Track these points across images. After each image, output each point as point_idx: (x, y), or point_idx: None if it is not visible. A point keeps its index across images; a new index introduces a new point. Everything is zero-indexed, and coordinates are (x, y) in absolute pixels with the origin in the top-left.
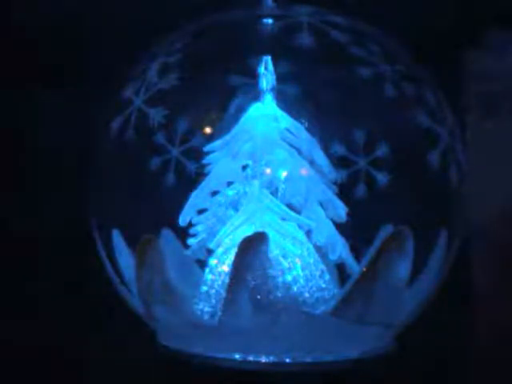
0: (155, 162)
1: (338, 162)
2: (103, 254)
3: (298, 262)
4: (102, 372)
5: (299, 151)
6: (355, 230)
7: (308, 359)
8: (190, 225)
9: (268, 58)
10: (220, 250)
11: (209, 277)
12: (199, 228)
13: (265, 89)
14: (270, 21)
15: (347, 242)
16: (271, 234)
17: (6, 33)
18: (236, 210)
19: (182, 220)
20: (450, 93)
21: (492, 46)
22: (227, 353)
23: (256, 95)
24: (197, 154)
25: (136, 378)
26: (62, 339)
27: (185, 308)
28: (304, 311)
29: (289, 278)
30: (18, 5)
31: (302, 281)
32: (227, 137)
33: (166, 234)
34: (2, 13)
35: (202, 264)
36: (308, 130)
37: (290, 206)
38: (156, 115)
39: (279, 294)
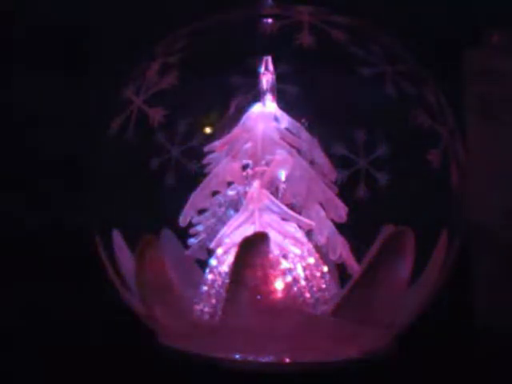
0: (155, 162)
1: (338, 162)
2: (103, 254)
3: (299, 262)
4: (102, 372)
5: (299, 151)
6: (355, 230)
7: (308, 359)
8: (190, 225)
9: (268, 58)
10: (220, 250)
11: (209, 277)
12: (199, 228)
13: (265, 89)
14: (269, 21)
15: (347, 242)
16: (271, 234)
17: (8, 32)
18: (236, 210)
19: (182, 220)
20: (450, 93)
21: (493, 46)
22: (227, 353)
23: (256, 95)
24: (197, 154)
25: (136, 377)
26: (61, 339)
27: (185, 308)
28: (304, 311)
29: (289, 278)
30: (20, 4)
31: (302, 281)
32: (227, 137)
33: (166, 233)
34: (5, 13)
35: (202, 264)
36: (308, 129)
37: (290, 206)
38: (156, 115)
39: (279, 295)
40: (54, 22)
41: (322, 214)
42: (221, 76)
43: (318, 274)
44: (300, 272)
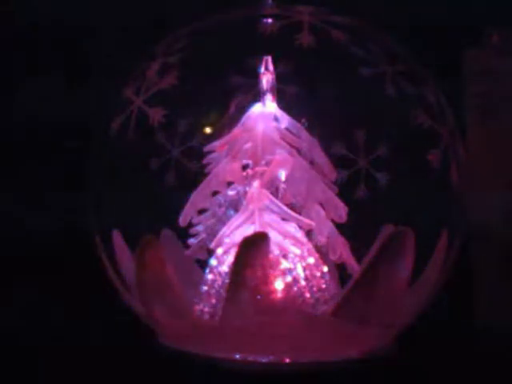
0: (155, 162)
1: (338, 162)
2: (103, 254)
3: (299, 262)
4: (102, 372)
5: (299, 151)
6: (355, 230)
7: (308, 359)
8: (190, 225)
9: (268, 58)
10: (220, 250)
11: (209, 277)
12: (199, 228)
13: (265, 89)
14: (269, 21)
15: (347, 241)
16: (271, 234)
17: (8, 32)
18: (236, 210)
19: (182, 220)
20: (450, 93)
21: (493, 46)
22: (227, 353)
23: (256, 95)
24: (197, 154)
25: (136, 377)
26: (61, 339)
27: (185, 308)
28: (304, 311)
29: (289, 278)
30: (20, 4)
31: (302, 281)
32: (227, 137)
33: (166, 233)
34: (5, 13)
35: (202, 264)
36: (308, 129)
37: (290, 206)
38: (156, 115)
39: (279, 295)
40: (54, 21)
41: (322, 213)
42: (221, 76)
43: (318, 274)
44: (300, 272)
